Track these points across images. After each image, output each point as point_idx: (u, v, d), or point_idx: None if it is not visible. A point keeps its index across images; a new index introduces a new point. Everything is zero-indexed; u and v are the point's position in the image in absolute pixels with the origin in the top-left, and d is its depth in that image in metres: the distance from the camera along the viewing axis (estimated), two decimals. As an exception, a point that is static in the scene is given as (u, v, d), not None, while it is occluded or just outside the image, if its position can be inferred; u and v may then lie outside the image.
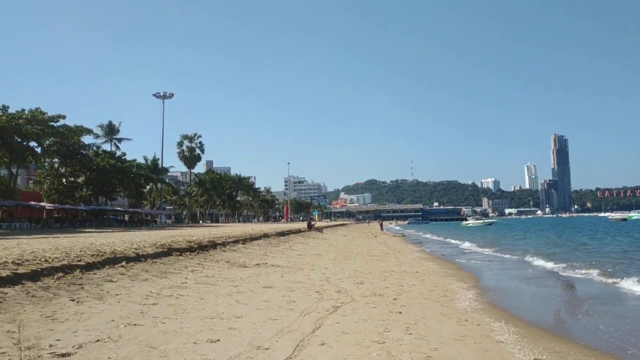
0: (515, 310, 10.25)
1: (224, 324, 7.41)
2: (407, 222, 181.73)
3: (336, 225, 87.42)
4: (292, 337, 6.84)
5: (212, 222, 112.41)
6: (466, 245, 38.06)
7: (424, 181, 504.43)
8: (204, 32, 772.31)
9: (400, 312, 9.07)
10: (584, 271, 17.42)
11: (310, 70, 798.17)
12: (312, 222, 50.81)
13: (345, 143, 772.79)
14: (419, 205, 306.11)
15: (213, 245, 19.27)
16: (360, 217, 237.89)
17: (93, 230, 39.97)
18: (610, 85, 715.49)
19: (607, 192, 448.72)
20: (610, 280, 14.94)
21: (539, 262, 21.21)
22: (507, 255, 25.90)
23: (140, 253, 13.60)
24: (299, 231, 41.29)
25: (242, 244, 22.46)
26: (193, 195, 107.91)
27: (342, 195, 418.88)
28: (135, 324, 6.99)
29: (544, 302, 12.16)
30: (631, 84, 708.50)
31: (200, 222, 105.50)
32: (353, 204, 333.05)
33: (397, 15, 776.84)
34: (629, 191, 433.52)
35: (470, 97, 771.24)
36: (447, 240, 48.34)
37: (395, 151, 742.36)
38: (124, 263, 11.95)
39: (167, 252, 15.07)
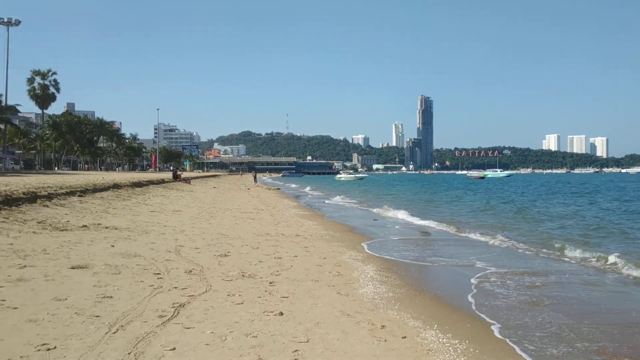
0: (440, 297, 7.43)
1: None
2: (281, 174, 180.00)
3: (207, 177, 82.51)
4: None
5: (70, 169, 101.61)
6: (345, 200, 36.07)
7: (299, 135, 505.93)
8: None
9: (282, 314, 5.76)
10: (481, 232, 15.55)
11: (188, 5, 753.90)
12: (178, 172, 45.88)
13: (220, 92, 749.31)
14: (293, 159, 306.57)
15: (32, 198, 14.51)
16: (234, 168, 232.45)
17: None
18: (470, 57, 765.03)
19: (464, 152, 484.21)
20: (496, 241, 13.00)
21: (440, 226, 19.24)
22: (394, 213, 23.83)
23: None
24: (161, 182, 36.49)
25: (79, 196, 17.77)
26: (46, 139, 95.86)
27: (215, 145, 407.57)
28: None
29: (469, 280, 9.52)
30: (489, 60, 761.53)
31: (56, 168, 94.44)
32: (227, 155, 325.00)
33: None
34: (482, 151, 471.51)
35: (346, 52, 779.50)
36: (325, 194, 46.32)
37: (271, 103, 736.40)
38: None
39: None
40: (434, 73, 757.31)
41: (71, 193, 17.77)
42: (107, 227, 11.76)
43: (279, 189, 55.49)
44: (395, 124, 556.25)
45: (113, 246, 9.38)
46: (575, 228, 17.41)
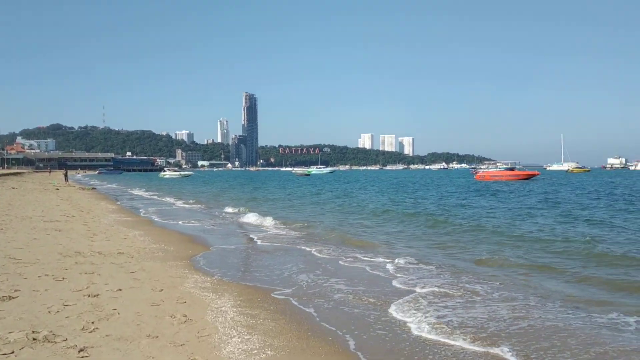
0: (334, 343, 5.39)
1: None
2: (97, 172, 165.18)
3: (6, 175, 71.37)
4: None
5: None
6: (174, 200, 32.70)
7: (117, 129, 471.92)
8: None
9: None
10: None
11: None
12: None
13: (22, 76, 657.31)
14: (110, 155, 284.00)
15: None
16: (42, 165, 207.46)
17: None
18: (293, 57, 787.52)
19: (287, 149, 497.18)
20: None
21: (283, 230, 17.37)
22: (237, 214, 21.53)
23: None
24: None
25: None
26: None
27: (19, 139, 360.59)
28: None
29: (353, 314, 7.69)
30: (310, 62, 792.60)
31: None
32: (33, 151, 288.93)
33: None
34: (305, 149, 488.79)
35: (168, 45, 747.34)
36: (150, 193, 42.00)
37: (84, 93, 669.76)
38: None
39: None
40: (258, 70, 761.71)
41: None
42: None
43: (95, 188, 49.21)
44: (220, 121, 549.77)
45: None
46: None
